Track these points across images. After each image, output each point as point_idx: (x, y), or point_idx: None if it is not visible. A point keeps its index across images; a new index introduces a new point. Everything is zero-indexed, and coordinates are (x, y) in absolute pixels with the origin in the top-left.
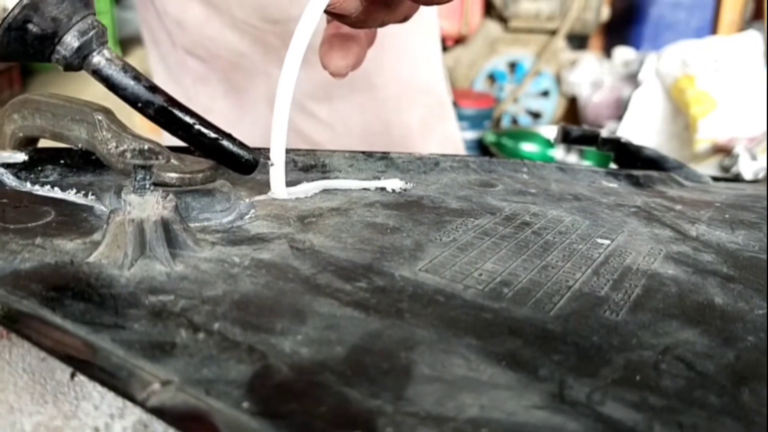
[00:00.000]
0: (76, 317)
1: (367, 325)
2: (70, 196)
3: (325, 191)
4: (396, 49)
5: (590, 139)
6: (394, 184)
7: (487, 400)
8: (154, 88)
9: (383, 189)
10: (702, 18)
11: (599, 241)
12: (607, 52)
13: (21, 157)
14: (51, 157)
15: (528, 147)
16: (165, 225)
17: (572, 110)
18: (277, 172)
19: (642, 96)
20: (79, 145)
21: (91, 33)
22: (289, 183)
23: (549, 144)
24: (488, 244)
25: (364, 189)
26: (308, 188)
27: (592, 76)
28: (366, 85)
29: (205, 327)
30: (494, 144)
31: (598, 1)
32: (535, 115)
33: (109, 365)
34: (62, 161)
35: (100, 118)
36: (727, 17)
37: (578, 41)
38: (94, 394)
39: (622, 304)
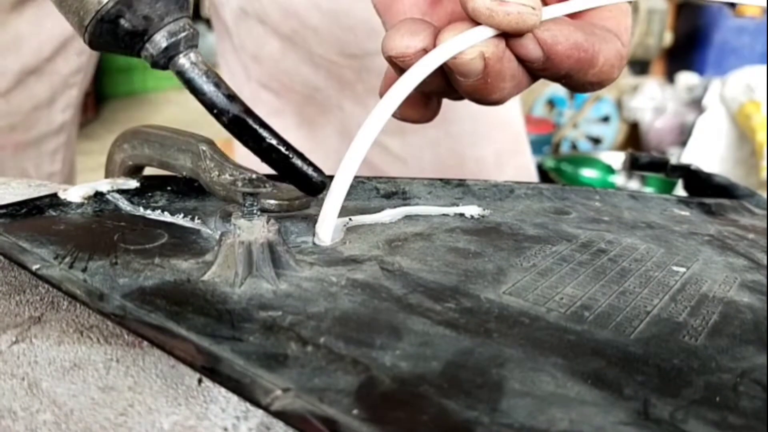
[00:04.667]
0: (198, 330)
1: (459, 342)
2: (179, 220)
3: (408, 217)
4: None
5: (659, 165)
6: (472, 210)
7: (576, 415)
8: (232, 97)
9: (462, 215)
10: (765, 43)
11: (675, 268)
12: (669, 77)
13: (133, 183)
14: (159, 184)
15: (588, 173)
16: (270, 247)
17: (633, 136)
18: (328, 219)
19: (707, 122)
20: (184, 173)
21: (181, 35)
22: (372, 209)
23: (609, 170)
24: (567, 270)
25: (444, 215)
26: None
27: (654, 101)
28: (440, 119)
29: (312, 340)
30: (553, 169)
31: (660, 26)
32: (595, 141)
33: (233, 373)
34: (169, 188)
35: (204, 148)
36: None
37: (640, 66)
38: (219, 398)
39: (700, 329)
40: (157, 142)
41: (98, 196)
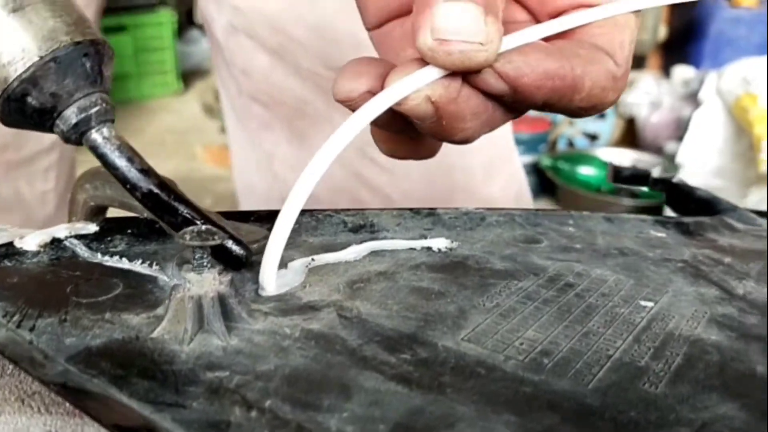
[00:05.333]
0: (141, 396)
1: (410, 400)
2: (137, 266)
3: (374, 253)
4: None
5: (641, 178)
6: (439, 243)
7: None
8: (146, 171)
9: (429, 248)
10: (763, 33)
11: (642, 303)
12: (665, 71)
13: (92, 228)
14: (119, 227)
15: (585, 170)
16: (221, 300)
17: (630, 131)
18: (269, 266)
19: (703, 116)
20: (145, 215)
21: (92, 110)
22: (338, 245)
23: (607, 167)
24: (531, 310)
25: (411, 249)
26: (289, 280)
27: (650, 96)
28: None
29: (257, 404)
30: (550, 168)
31: (654, 20)
32: (592, 137)
33: None
34: (129, 231)
35: None
36: None
37: (635, 61)
38: None
39: (662, 375)
40: (117, 183)
41: (55, 243)
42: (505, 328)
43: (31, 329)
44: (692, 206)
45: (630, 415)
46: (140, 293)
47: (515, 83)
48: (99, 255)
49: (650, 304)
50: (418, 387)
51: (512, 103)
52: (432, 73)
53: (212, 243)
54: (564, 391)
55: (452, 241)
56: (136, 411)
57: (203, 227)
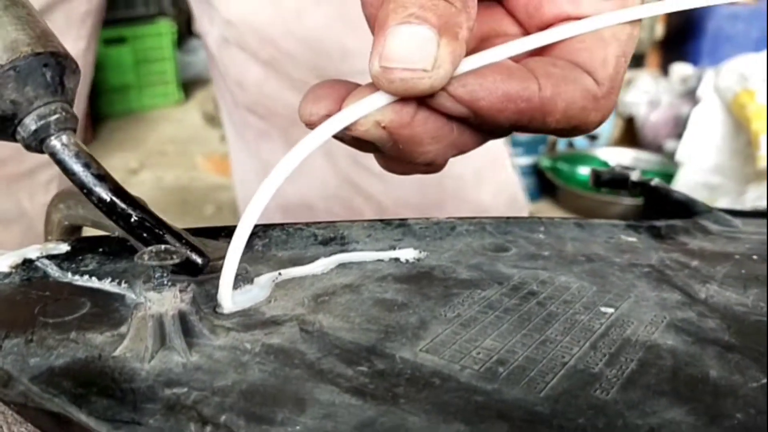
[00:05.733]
0: (99, 414)
1: (363, 412)
2: (105, 285)
3: (342, 266)
4: None
5: (621, 182)
6: (407, 254)
7: None
8: (101, 177)
9: (397, 259)
10: (761, 28)
11: (603, 309)
12: (664, 69)
13: (64, 248)
14: (91, 246)
15: (585, 170)
16: (182, 317)
17: (630, 130)
18: (225, 284)
19: (701, 113)
20: (116, 233)
21: (51, 118)
22: (308, 259)
23: (606, 167)
24: (491, 319)
25: (379, 260)
26: (254, 295)
27: (649, 94)
28: None
29: (212, 420)
30: (550, 169)
31: (651, 19)
32: (592, 137)
33: None
34: (101, 249)
35: None
36: None
37: (633, 60)
38: None
39: (614, 381)
40: (90, 203)
41: (27, 263)
42: (464, 338)
43: None
44: (669, 209)
45: (578, 422)
46: (107, 312)
47: (472, 107)
48: (69, 274)
49: (611, 310)
50: (372, 398)
51: (479, 126)
52: (382, 98)
53: (170, 262)
54: (516, 400)
55: (420, 251)
56: (93, 430)
57: (162, 247)
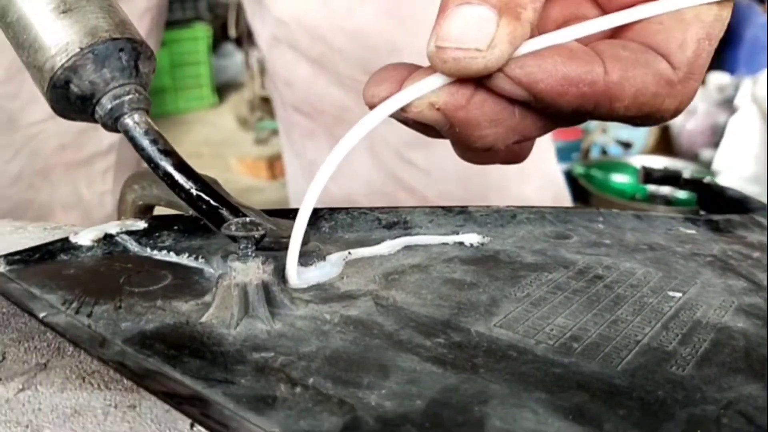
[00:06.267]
0: (192, 373)
1: (445, 379)
2: (184, 260)
3: (408, 248)
4: None
5: (672, 179)
6: (471, 238)
7: None
8: (167, 152)
9: (461, 243)
10: None
11: (671, 294)
12: None
13: (141, 225)
14: (166, 224)
15: (619, 178)
16: (265, 287)
17: (665, 139)
18: (291, 260)
19: (739, 122)
20: (190, 212)
21: (125, 98)
22: (373, 241)
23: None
24: (560, 299)
25: (443, 244)
26: (327, 271)
27: None
28: None
29: (301, 381)
30: (583, 176)
31: None
32: (626, 145)
33: (221, 417)
34: (176, 227)
35: None
36: None
37: None
38: None
39: (689, 358)
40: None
41: (108, 238)
42: (536, 316)
43: (89, 315)
44: (723, 206)
45: (657, 395)
46: (188, 283)
47: (531, 89)
48: (148, 249)
49: (678, 294)
50: (452, 368)
51: (542, 111)
52: (438, 79)
53: (256, 233)
54: (593, 373)
55: (484, 237)
56: (189, 386)
57: (248, 219)
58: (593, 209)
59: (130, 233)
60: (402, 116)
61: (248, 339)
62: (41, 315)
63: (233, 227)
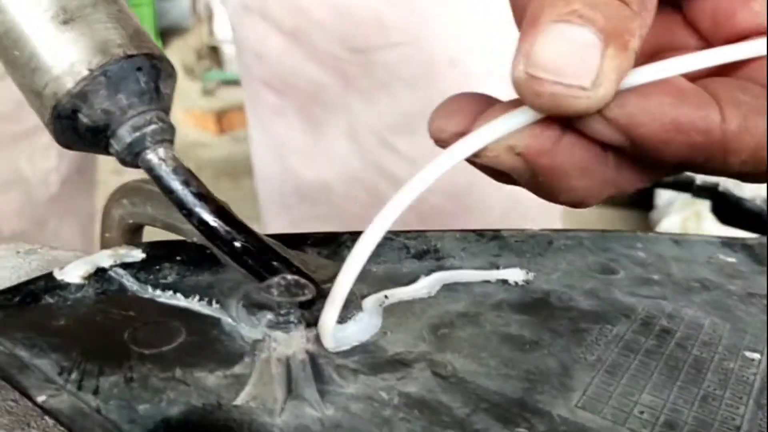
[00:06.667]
0: None
1: None
2: (194, 304)
3: (447, 287)
4: (483, 79)
5: (685, 185)
6: (515, 275)
7: None
8: (203, 196)
9: (505, 281)
10: None
11: (748, 355)
12: None
13: (138, 255)
14: (167, 253)
15: None
16: (312, 361)
17: None
18: (329, 319)
19: None
20: (194, 239)
21: (146, 129)
22: (404, 275)
23: None
24: (636, 365)
25: (485, 281)
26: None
27: None
28: None
29: None
30: None
31: None
32: None
33: None
34: (179, 258)
35: None
36: None
37: None
38: None
39: None
40: (162, 201)
41: (99, 273)
42: (618, 391)
43: (95, 392)
44: (740, 217)
45: None
46: (207, 341)
47: (631, 134)
48: (150, 288)
49: (756, 355)
50: None
51: (638, 159)
52: (521, 116)
53: (303, 298)
54: None
55: (527, 272)
56: None
57: (290, 278)
58: (630, 233)
59: (125, 266)
60: (476, 160)
61: (299, 430)
62: (40, 399)
63: (274, 290)
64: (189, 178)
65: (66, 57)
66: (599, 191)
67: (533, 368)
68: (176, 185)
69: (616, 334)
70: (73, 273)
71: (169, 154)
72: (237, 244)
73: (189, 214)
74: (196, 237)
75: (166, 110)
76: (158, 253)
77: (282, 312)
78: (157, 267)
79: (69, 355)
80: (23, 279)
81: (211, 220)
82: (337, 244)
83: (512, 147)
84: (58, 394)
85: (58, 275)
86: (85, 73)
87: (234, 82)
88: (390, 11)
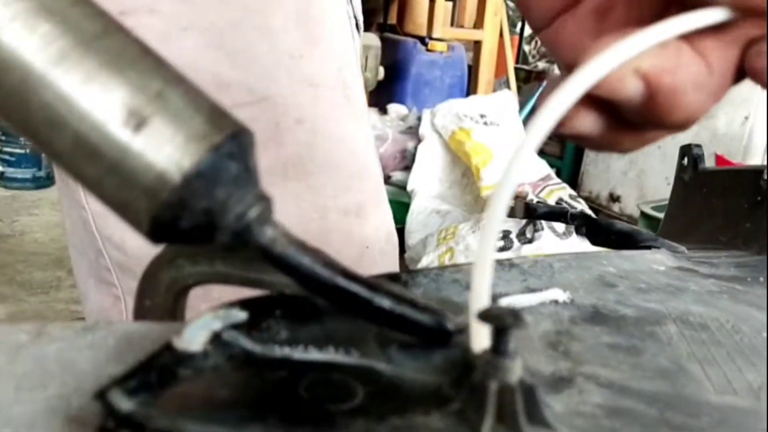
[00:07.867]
0: None
1: None
2: (337, 356)
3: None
4: (330, 134)
5: (558, 215)
6: (558, 295)
7: None
8: (330, 264)
9: (556, 302)
10: (453, 75)
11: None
12: (381, 108)
13: (241, 315)
14: (262, 310)
15: None
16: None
17: None
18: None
19: (425, 148)
20: (285, 290)
21: (250, 215)
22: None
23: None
24: (715, 354)
25: (541, 303)
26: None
27: (376, 130)
28: (300, 172)
29: None
30: None
31: (374, 61)
32: None
33: None
34: (277, 312)
35: None
36: (484, 77)
37: None
38: None
39: None
40: (234, 257)
41: (216, 338)
42: (720, 374)
43: None
44: (614, 238)
45: None
46: (385, 390)
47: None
48: (276, 348)
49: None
50: None
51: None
52: (644, 40)
53: (520, 325)
54: None
55: (565, 291)
56: None
57: (494, 307)
58: (593, 253)
59: (236, 328)
60: (595, 93)
61: None
62: None
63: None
64: (306, 248)
65: (151, 167)
66: (709, 104)
67: (656, 368)
68: (304, 260)
69: (675, 332)
70: (194, 340)
71: (278, 231)
72: (395, 310)
73: (323, 286)
74: (287, 288)
75: (258, 184)
76: (255, 310)
77: (503, 339)
78: (264, 325)
79: (260, 426)
80: (110, 358)
81: (360, 291)
82: (396, 282)
83: (637, 69)
84: None
85: (178, 345)
86: (178, 182)
87: None
88: (228, 70)
